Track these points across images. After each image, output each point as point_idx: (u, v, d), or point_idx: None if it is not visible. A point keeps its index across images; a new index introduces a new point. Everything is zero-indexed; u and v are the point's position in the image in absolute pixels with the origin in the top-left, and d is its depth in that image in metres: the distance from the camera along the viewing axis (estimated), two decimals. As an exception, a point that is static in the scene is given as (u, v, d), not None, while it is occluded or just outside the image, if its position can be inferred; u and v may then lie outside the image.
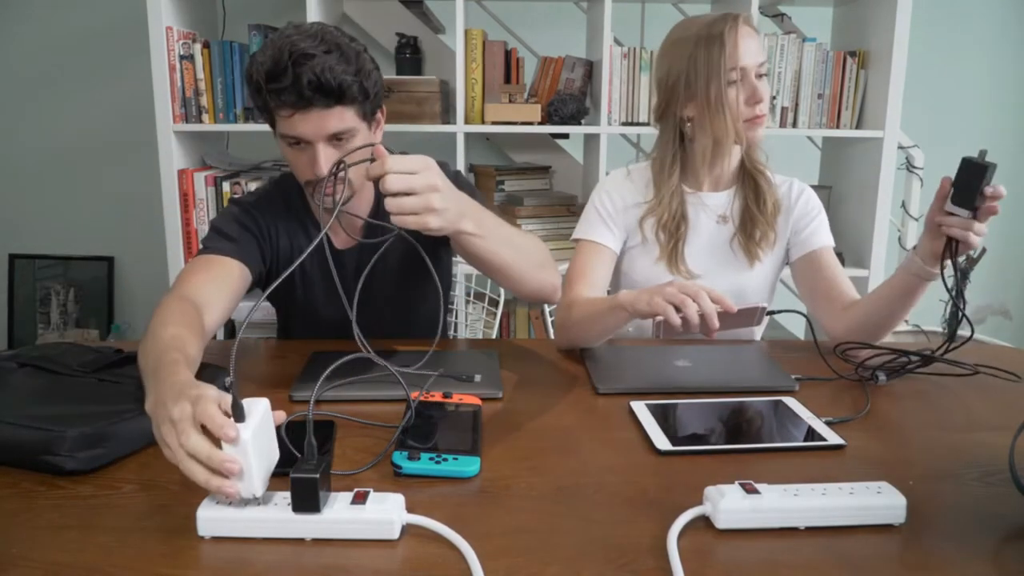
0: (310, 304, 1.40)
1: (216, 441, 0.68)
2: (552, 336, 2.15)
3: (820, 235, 1.42)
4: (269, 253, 1.33)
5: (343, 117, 1.15)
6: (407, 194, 0.90)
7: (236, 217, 1.30)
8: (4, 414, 0.84)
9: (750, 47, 1.30)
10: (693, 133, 1.37)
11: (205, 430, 0.69)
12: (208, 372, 1.01)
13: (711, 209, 1.43)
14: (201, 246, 1.27)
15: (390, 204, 0.90)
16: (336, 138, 1.16)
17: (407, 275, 1.41)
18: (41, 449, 0.81)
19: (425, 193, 0.91)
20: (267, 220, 1.32)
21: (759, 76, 1.31)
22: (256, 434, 0.69)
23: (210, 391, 0.74)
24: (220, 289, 1.18)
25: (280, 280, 0.88)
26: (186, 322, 1.01)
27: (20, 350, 1.07)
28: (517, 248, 1.13)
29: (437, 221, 0.92)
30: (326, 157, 1.15)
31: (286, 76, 1.09)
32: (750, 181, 1.42)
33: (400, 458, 0.83)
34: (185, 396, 0.73)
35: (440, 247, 1.40)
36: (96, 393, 0.94)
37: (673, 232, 1.40)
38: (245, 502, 0.71)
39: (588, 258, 1.42)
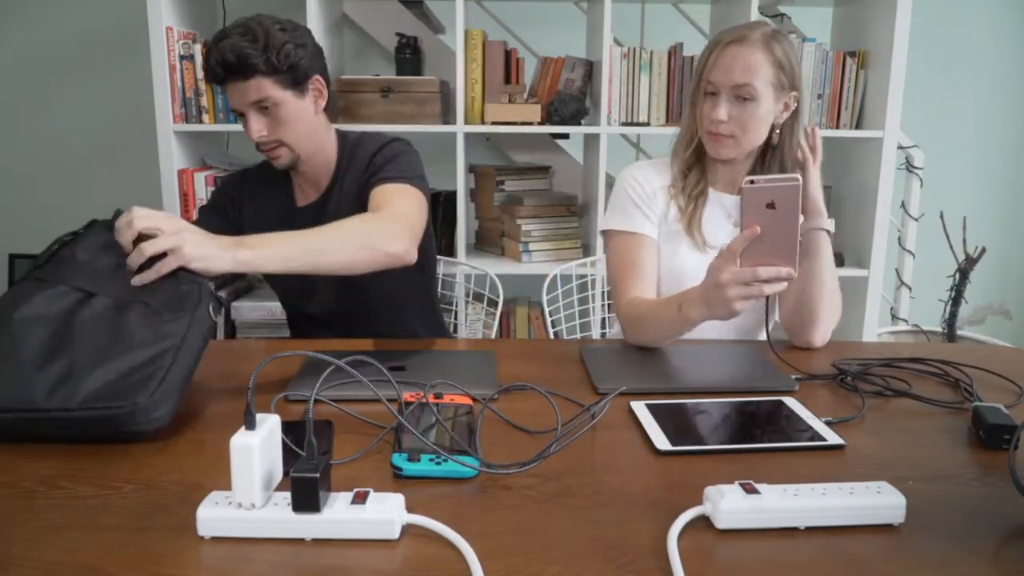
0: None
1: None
2: (551, 336, 2.15)
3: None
4: (236, 221, 1.56)
5: (260, 87, 1.37)
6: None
7: (212, 198, 1.60)
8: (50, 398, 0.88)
9: (729, 66, 1.29)
10: (685, 126, 1.43)
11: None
12: (186, 283, 1.03)
13: (726, 208, 1.43)
14: None
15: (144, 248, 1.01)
16: (261, 106, 1.39)
17: None
18: (114, 427, 0.88)
19: (172, 237, 1.02)
20: (232, 192, 1.57)
21: (739, 98, 1.30)
22: (262, 444, 0.70)
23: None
24: None
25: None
26: None
27: (33, 271, 1.02)
28: (324, 250, 1.17)
29: (175, 262, 1.01)
30: (255, 124, 1.39)
31: (210, 56, 1.36)
32: None
33: (400, 460, 0.83)
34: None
35: None
36: (119, 334, 0.95)
37: (694, 197, 1.41)
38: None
39: (632, 251, 1.39)
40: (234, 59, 1.33)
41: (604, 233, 1.47)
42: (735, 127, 1.31)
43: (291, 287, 1.59)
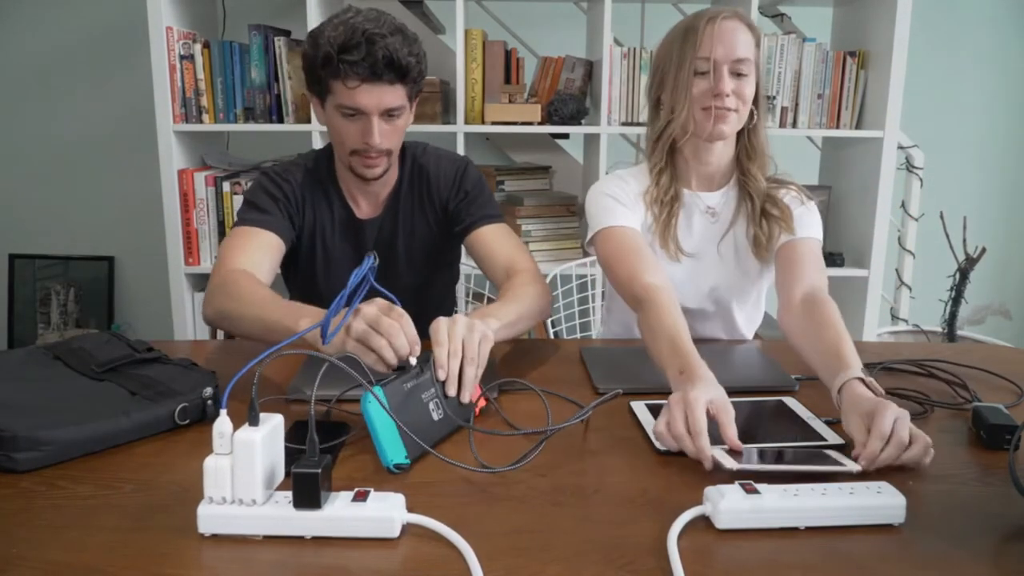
0: (330, 284, 1.47)
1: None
2: (551, 336, 2.15)
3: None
4: (298, 221, 1.43)
5: (398, 95, 1.28)
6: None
7: (266, 188, 1.40)
8: None
9: (729, 41, 1.25)
10: (665, 116, 1.33)
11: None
12: (195, 376, 1.02)
13: (703, 201, 1.40)
14: (236, 219, 1.38)
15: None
16: (389, 113, 1.29)
17: (427, 252, 1.50)
18: None
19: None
20: (294, 188, 1.42)
21: (737, 74, 1.26)
22: (264, 441, 0.70)
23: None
24: (263, 260, 1.31)
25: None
26: (262, 284, 1.21)
27: (67, 340, 1.09)
28: (528, 319, 1.26)
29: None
30: (381, 129, 1.29)
31: (359, 50, 1.21)
32: (742, 184, 1.39)
33: (379, 391, 0.83)
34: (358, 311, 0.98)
35: (455, 238, 1.49)
36: (81, 394, 0.95)
37: (668, 204, 1.36)
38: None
39: (630, 241, 1.32)
40: (395, 63, 1.23)
41: (592, 240, 1.38)
42: (738, 101, 1.27)
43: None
